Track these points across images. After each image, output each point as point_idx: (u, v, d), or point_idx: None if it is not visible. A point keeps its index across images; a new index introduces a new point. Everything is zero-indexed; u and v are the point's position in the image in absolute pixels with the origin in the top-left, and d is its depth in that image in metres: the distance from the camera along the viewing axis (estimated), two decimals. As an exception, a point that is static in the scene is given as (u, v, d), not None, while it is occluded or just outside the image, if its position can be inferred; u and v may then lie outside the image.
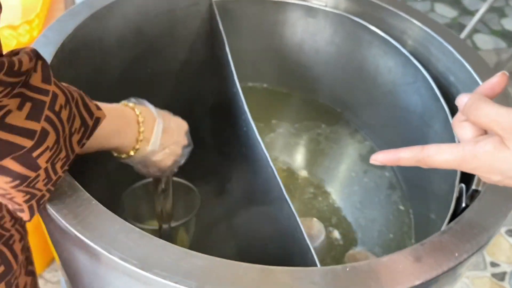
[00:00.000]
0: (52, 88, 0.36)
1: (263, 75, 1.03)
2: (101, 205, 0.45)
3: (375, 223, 0.82)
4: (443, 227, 0.48)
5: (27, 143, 0.35)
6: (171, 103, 0.66)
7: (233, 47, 0.78)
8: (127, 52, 0.79)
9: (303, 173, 0.89)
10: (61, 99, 0.38)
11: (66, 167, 0.42)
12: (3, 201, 0.40)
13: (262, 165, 0.62)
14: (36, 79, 0.35)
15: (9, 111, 0.32)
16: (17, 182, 0.37)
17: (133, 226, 0.44)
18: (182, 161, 0.62)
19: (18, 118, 0.33)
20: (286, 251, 0.63)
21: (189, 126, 0.64)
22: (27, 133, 0.34)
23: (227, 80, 0.76)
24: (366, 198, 0.86)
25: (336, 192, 0.86)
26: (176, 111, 0.64)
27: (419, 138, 0.80)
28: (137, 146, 0.52)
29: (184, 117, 0.65)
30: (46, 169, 0.39)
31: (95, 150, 0.49)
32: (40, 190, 0.40)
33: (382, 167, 0.92)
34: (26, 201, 0.40)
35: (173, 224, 0.67)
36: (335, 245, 0.77)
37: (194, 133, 0.66)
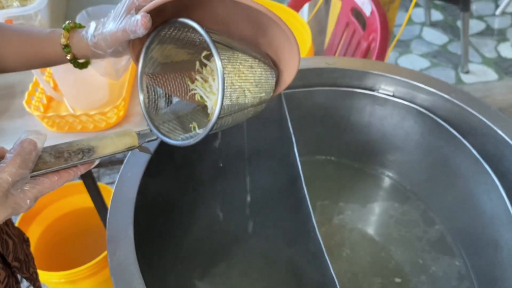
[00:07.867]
0: None
1: (330, 149, 1.05)
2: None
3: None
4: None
5: None
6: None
7: (300, 126, 0.82)
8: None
9: (369, 260, 0.90)
10: None
11: None
12: None
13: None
14: None
15: None
16: None
17: None
18: None
19: None
20: None
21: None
22: None
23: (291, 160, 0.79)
24: (433, 291, 0.85)
25: (403, 283, 0.86)
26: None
27: (489, 239, 0.78)
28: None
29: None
30: None
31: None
32: None
33: (452, 255, 0.91)
34: None
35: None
36: None
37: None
